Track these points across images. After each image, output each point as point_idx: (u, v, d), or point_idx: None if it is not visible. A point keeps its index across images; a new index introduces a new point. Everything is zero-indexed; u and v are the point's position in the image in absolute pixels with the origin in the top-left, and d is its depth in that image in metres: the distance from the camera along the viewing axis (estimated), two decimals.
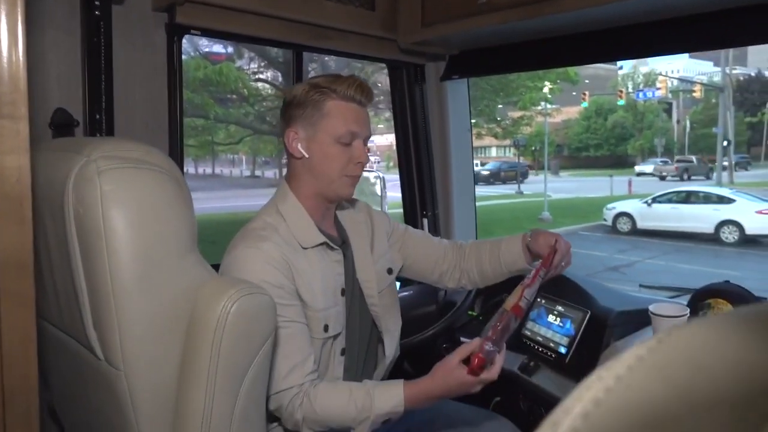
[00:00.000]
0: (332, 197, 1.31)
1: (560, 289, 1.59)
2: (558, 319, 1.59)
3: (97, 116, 1.51)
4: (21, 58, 0.77)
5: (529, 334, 1.64)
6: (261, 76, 12.99)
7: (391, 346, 1.42)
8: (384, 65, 2.40)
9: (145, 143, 1.49)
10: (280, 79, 11.98)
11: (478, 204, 2.48)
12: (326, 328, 1.26)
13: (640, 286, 2.23)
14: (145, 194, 0.92)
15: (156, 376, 0.94)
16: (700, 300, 1.49)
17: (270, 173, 19.51)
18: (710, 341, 0.21)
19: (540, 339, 1.61)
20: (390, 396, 1.15)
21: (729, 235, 11.23)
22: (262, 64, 12.54)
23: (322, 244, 1.29)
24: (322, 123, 1.25)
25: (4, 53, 0.76)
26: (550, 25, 1.69)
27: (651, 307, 1.35)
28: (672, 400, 0.19)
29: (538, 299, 1.65)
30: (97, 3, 1.48)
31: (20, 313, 0.76)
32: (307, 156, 1.26)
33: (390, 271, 1.46)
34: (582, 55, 1.84)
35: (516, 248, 1.38)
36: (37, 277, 0.76)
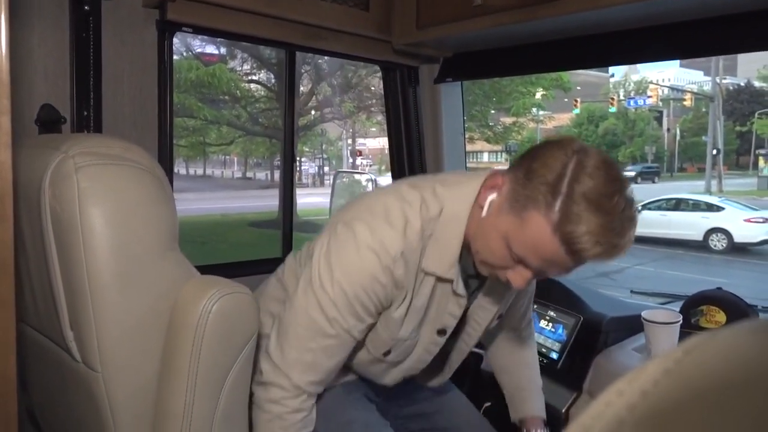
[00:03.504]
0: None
1: (552, 295, 1.58)
2: (550, 324, 1.58)
3: (85, 113, 1.48)
4: (4, 51, 0.74)
5: None
6: (254, 78, 12.96)
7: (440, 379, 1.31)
8: (377, 69, 2.39)
9: (133, 140, 1.46)
10: (273, 80, 11.94)
11: None
12: (387, 354, 1.11)
13: (632, 292, 2.23)
14: (123, 191, 0.89)
15: (134, 378, 0.91)
16: (692, 307, 1.49)
17: (261, 175, 19.46)
18: (738, 352, 0.19)
19: None
20: None
21: (718, 242, 11.32)
22: (255, 65, 12.50)
23: (447, 281, 1.05)
24: (515, 221, 0.92)
25: None
26: (544, 29, 1.69)
27: (644, 314, 1.34)
28: (702, 413, 0.18)
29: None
30: None
31: (0, 314, 0.74)
32: (483, 215, 0.99)
33: (501, 316, 1.25)
34: (577, 59, 1.83)
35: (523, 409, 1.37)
36: (15, 278, 0.74)
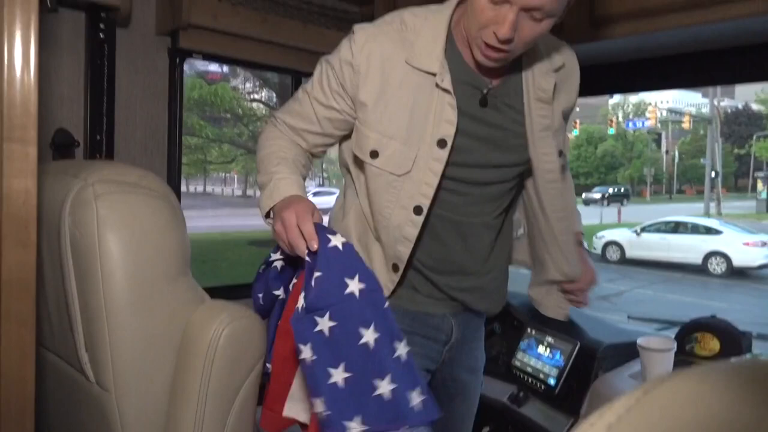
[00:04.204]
0: (471, 51, 1.06)
1: (550, 320, 1.61)
2: (548, 350, 1.60)
3: (98, 137, 1.53)
4: (33, 82, 0.78)
5: (518, 364, 1.65)
6: (256, 96, 13.08)
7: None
8: None
9: (143, 164, 1.51)
10: (275, 99, 12.07)
11: None
12: (375, 155, 1.10)
13: (629, 317, 2.26)
14: (140, 218, 0.93)
15: (146, 399, 0.94)
16: (687, 334, 1.51)
17: None
18: (697, 394, 0.22)
19: (529, 370, 1.62)
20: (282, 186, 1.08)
21: (716, 266, 11.33)
22: (257, 84, 12.64)
23: (431, 74, 1.06)
24: None
25: (17, 76, 0.77)
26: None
27: (639, 341, 1.36)
28: None
29: (529, 330, 1.66)
30: (102, 26, 1.51)
31: (21, 333, 0.77)
32: None
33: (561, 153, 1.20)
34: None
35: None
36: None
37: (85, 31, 1.52)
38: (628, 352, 1.50)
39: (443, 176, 1.10)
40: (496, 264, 1.27)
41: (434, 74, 1.06)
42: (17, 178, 0.76)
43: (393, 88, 1.07)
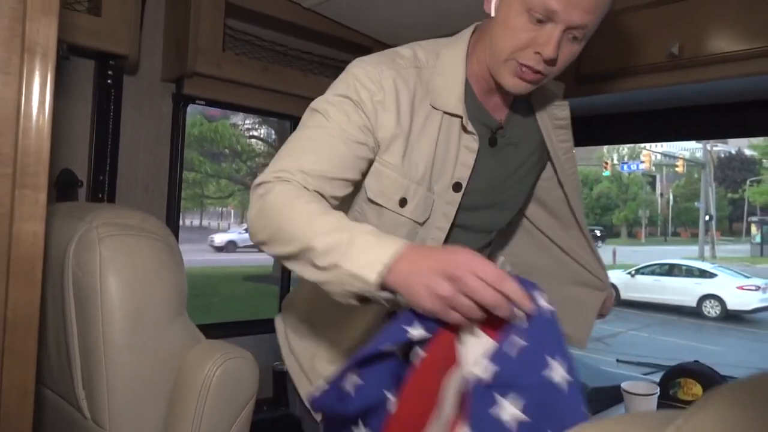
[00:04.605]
0: (494, 77, 1.01)
1: None
2: None
3: (101, 177, 1.58)
4: (47, 132, 0.83)
5: None
6: (255, 133, 13.25)
7: None
8: None
9: (144, 204, 1.55)
10: (274, 136, 12.24)
11: None
12: (404, 203, 1.00)
13: (618, 360, 2.29)
14: (140, 260, 0.98)
15: None
16: (671, 378, 1.55)
17: None
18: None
19: None
20: (379, 246, 0.77)
21: (711, 309, 11.34)
22: (257, 121, 12.84)
23: (456, 116, 1.01)
24: None
25: (33, 126, 0.82)
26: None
27: (623, 385, 1.40)
28: None
29: None
30: (110, 73, 1.58)
31: (21, 371, 0.80)
32: (493, 15, 0.98)
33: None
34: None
35: None
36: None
37: (94, 77, 1.59)
38: (613, 395, 1.53)
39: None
40: None
41: (460, 117, 1.01)
42: (27, 222, 0.80)
43: (417, 129, 1.00)
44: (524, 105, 1.13)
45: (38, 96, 0.82)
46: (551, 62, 0.93)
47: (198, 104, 1.81)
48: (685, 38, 1.36)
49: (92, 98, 1.60)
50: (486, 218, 1.15)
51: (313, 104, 0.98)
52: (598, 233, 25.66)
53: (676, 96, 1.52)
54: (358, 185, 1.00)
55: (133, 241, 0.98)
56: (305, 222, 0.82)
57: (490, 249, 1.28)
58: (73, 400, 1.01)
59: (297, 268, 0.85)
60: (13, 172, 0.80)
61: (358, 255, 0.76)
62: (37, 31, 0.81)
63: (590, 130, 1.80)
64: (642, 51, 1.43)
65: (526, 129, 1.14)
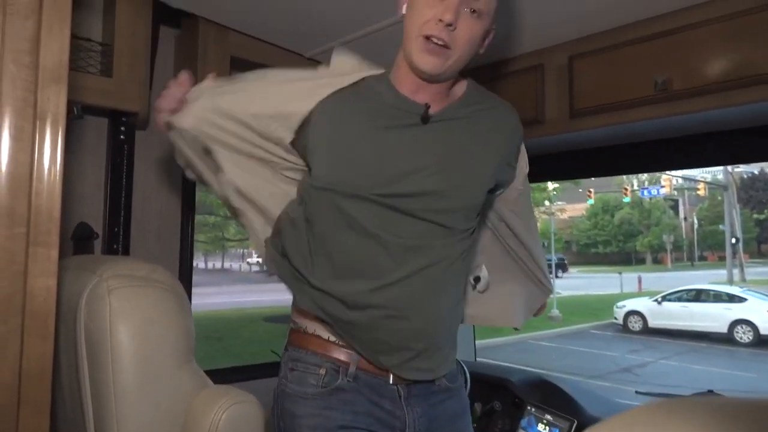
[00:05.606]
0: (410, 64, 1.07)
1: (549, 397, 1.64)
2: (547, 428, 1.62)
3: (116, 229, 1.65)
4: (58, 191, 0.88)
5: None
6: None
7: None
8: None
9: (157, 250, 1.59)
10: None
11: None
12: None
13: (636, 392, 2.25)
14: (149, 310, 1.02)
15: None
16: None
17: None
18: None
19: None
20: None
21: (743, 335, 11.00)
22: None
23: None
24: None
25: (45, 187, 0.87)
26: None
27: None
28: None
29: (528, 407, 1.68)
30: (123, 129, 1.66)
31: (36, 420, 0.83)
32: (404, 12, 1.07)
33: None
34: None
35: None
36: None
37: (108, 134, 1.67)
38: None
39: None
40: None
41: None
42: (40, 278, 0.85)
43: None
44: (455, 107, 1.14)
45: (49, 158, 0.87)
46: (452, 27, 1.00)
47: None
48: (673, 71, 1.40)
49: (106, 154, 1.67)
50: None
51: None
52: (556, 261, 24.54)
53: (667, 126, 1.55)
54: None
55: (141, 291, 1.03)
56: None
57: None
58: None
59: None
60: (27, 231, 0.85)
61: None
62: (47, 99, 0.87)
63: (589, 162, 1.83)
64: (631, 84, 1.47)
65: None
